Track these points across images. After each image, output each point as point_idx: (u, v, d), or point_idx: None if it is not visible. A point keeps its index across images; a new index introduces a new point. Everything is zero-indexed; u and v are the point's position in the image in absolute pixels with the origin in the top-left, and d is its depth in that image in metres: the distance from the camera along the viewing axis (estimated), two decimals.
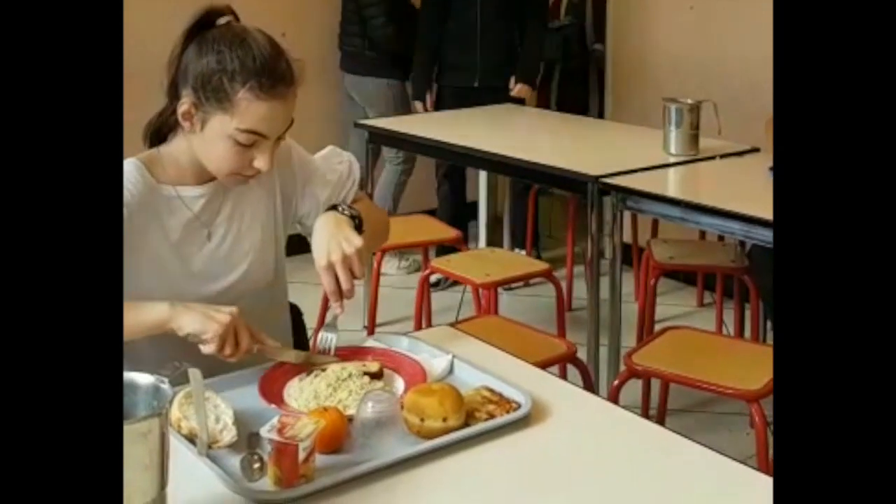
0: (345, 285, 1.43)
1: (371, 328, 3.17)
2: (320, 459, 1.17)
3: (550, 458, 1.24)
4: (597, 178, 2.72)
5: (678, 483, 1.19)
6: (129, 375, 1.07)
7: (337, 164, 1.65)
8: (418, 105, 3.89)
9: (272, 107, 1.37)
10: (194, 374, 1.13)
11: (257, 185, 1.55)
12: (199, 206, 1.49)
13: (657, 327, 2.67)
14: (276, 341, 1.44)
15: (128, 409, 1.05)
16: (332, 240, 1.45)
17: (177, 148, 1.47)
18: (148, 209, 1.45)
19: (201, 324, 1.33)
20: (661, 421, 2.46)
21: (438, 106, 3.88)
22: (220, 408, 1.25)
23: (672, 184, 2.79)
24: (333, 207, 1.53)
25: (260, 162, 1.41)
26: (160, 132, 1.50)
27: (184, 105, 1.40)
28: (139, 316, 1.35)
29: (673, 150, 2.91)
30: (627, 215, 3.41)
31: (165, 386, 1.05)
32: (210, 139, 1.40)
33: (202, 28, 1.41)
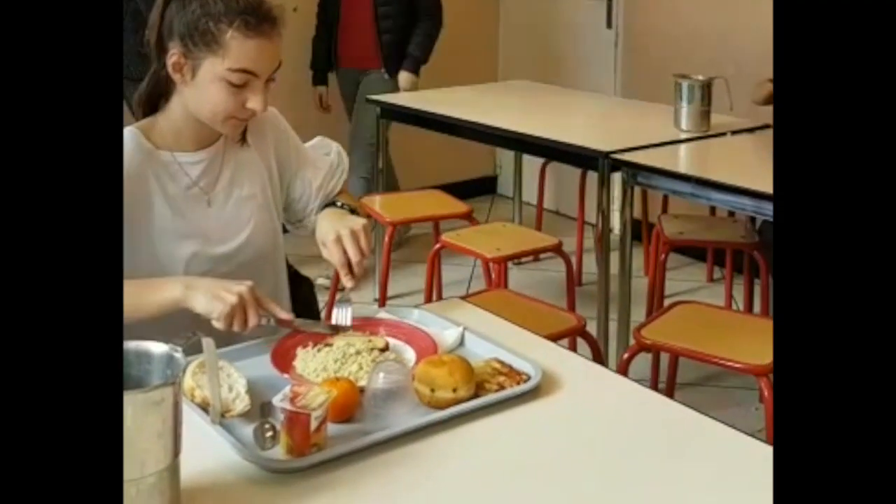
0: (354, 256, 1.46)
1: (382, 301, 3.18)
2: (332, 428, 1.18)
3: (560, 430, 1.25)
4: (607, 153, 2.71)
5: (687, 455, 1.19)
6: (144, 344, 1.08)
7: (325, 153, 1.69)
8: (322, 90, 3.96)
9: (260, 44, 1.41)
10: (208, 343, 1.14)
11: (255, 154, 1.57)
12: (197, 172, 1.51)
13: (667, 302, 2.67)
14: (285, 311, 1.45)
15: (142, 377, 1.06)
16: (337, 221, 1.52)
17: (173, 113, 1.49)
18: (148, 175, 1.46)
19: (208, 304, 1.34)
20: (669, 395, 2.46)
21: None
22: (233, 377, 1.26)
23: (683, 160, 2.78)
24: (331, 204, 1.60)
25: (253, 102, 1.43)
26: (152, 99, 1.51)
27: (173, 56, 1.42)
28: (153, 295, 1.37)
29: (684, 126, 2.89)
30: (638, 191, 3.41)
31: (179, 355, 1.06)
32: (203, 85, 1.42)
33: None
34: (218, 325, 1.34)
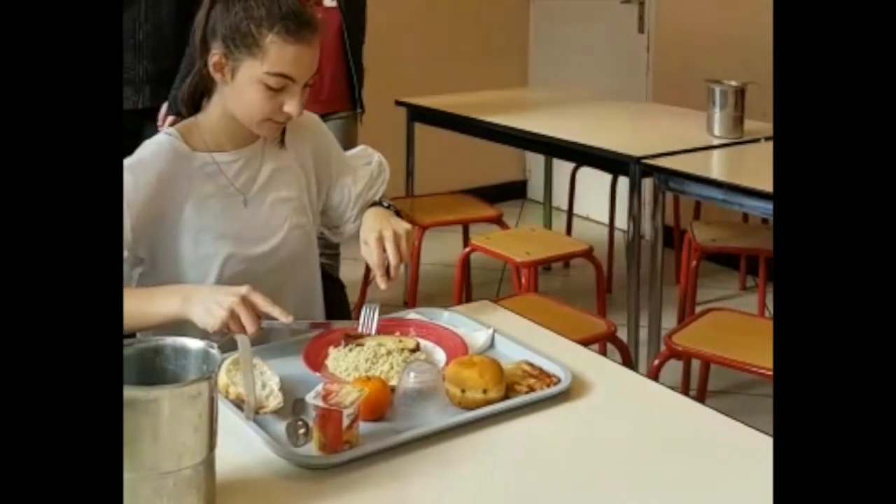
0: (393, 260, 1.47)
1: (412, 303, 3.20)
2: (364, 427, 1.19)
3: (590, 433, 1.25)
4: (639, 158, 2.70)
5: (718, 461, 1.19)
6: (180, 340, 1.10)
7: (366, 163, 1.70)
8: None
9: (299, 50, 1.43)
10: (242, 340, 1.16)
11: (293, 158, 1.59)
12: (234, 171, 1.53)
13: (698, 310, 2.65)
14: (295, 311, 1.44)
15: (178, 372, 1.08)
16: (383, 221, 1.53)
17: (213, 113, 1.52)
18: (181, 179, 1.48)
19: (203, 318, 1.32)
20: (700, 402, 2.45)
21: None
22: (267, 374, 1.28)
23: (716, 166, 2.77)
24: (377, 204, 1.62)
25: (289, 107, 1.45)
26: (194, 97, 1.53)
27: (215, 56, 1.45)
28: (155, 307, 1.37)
29: (717, 131, 2.88)
30: (670, 197, 3.39)
31: (215, 351, 1.07)
32: (241, 86, 1.45)
33: None
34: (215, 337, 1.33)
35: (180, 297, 1.36)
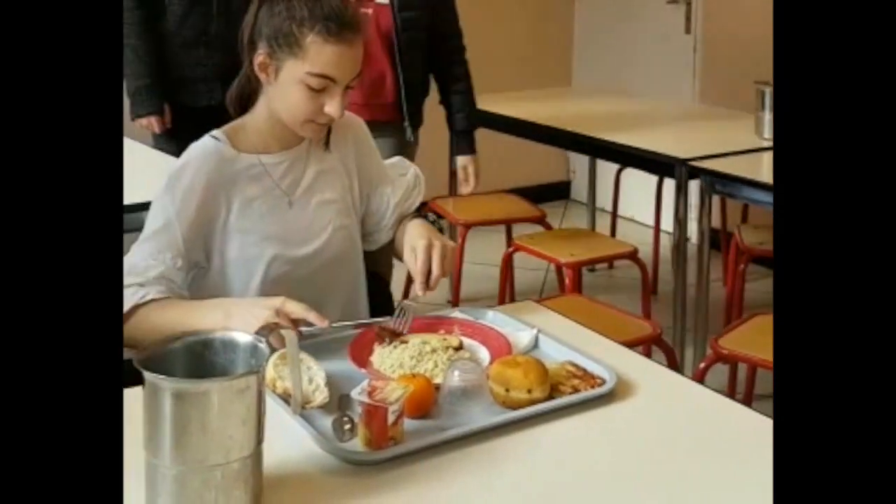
0: (436, 271, 1.48)
1: (455, 302, 3.20)
2: (408, 423, 1.19)
3: (634, 435, 1.24)
4: (685, 160, 2.68)
5: (763, 463, 1.17)
6: (229, 334, 1.12)
7: (402, 174, 1.71)
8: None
9: (340, 51, 1.44)
10: (289, 336, 1.17)
11: (338, 161, 1.60)
12: (280, 173, 1.54)
13: (745, 314, 2.62)
14: (335, 314, 1.47)
15: (227, 366, 1.10)
16: (432, 233, 1.55)
17: (259, 114, 1.53)
18: (226, 182, 1.49)
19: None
20: (747, 406, 2.42)
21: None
22: (313, 370, 1.29)
23: (765, 169, 2.73)
24: (421, 216, 1.63)
25: (330, 108, 1.46)
26: (242, 98, 1.55)
27: (259, 56, 1.46)
28: (195, 320, 1.35)
29: (766, 134, 2.84)
30: (716, 200, 3.35)
31: (263, 345, 1.09)
32: (284, 86, 1.46)
33: None
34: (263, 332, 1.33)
35: (222, 311, 1.36)
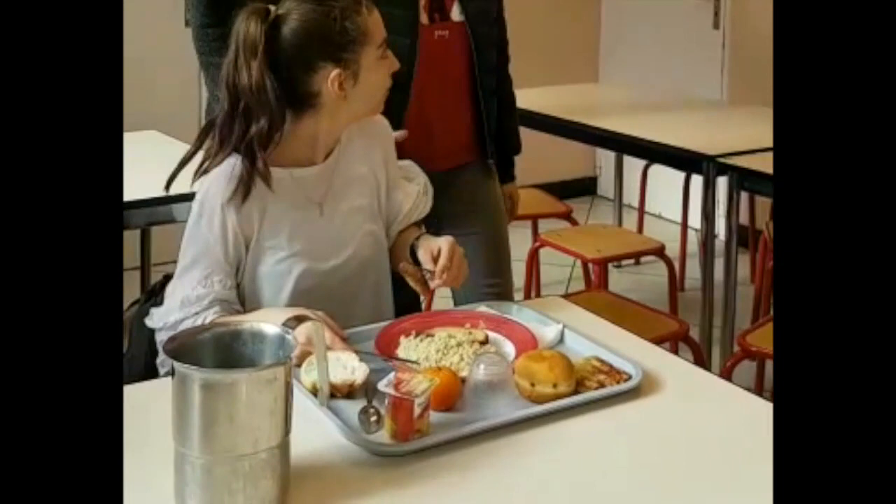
0: (455, 271, 1.49)
1: None
2: (434, 416, 1.20)
3: (660, 431, 1.23)
4: (713, 157, 2.66)
5: None
6: (258, 325, 1.13)
7: (411, 178, 1.68)
8: None
9: (375, 10, 1.46)
10: (316, 328, 1.18)
11: (366, 166, 1.57)
12: (310, 184, 1.50)
13: (773, 311, 2.60)
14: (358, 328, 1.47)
15: (255, 357, 1.11)
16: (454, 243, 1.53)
17: (303, 132, 1.46)
18: (255, 199, 1.43)
19: None
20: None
21: None
22: (343, 357, 1.30)
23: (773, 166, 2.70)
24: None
25: (393, 64, 1.49)
26: (270, 138, 1.42)
27: (333, 77, 1.40)
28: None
29: None
30: (745, 196, 3.32)
31: (291, 336, 1.10)
32: (367, 80, 1.45)
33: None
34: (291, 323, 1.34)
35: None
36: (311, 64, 1.41)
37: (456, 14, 2.02)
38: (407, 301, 1.75)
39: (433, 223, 1.72)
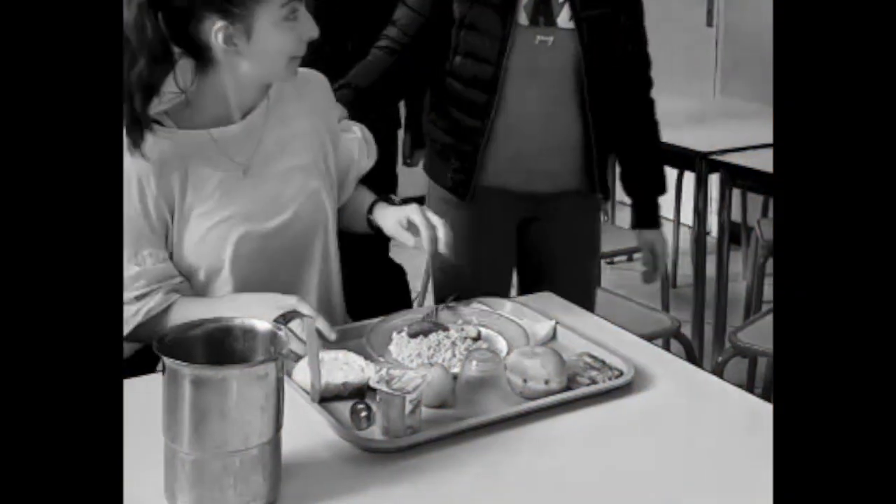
0: (441, 231, 1.42)
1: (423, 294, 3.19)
2: (425, 413, 1.20)
3: (651, 427, 1.24)
4: (705, 154, 2.67)
5: None
6: (249, 321, 1.12)
7: (347, 130, 1.62)
8: None
9: None
10: (308, 323, 1.17)
11: (304, 121, 1.50)
12: (234, 147, 1.43)
13: (764, 308, 2.61)
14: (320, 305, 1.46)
15: (246, 353, 1.10)
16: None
17: (209, 88, 1.41)
18: (179, 162, 1.39)
19: None
20: (765, 401, 2.41)
21: None
22: (348, 358, 1.31)
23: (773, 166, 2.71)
24: (386, 199, 1.56)
25: (309, 30, 1.40)
26: (151, 87, 1.35)
27: (220, 31, 1.34)
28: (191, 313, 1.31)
29: None
30: (737, 194, 3.33)
31: (282, 332, 1.09)
32: (262, 39, 1.36)
33: None
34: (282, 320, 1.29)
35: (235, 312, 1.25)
36: (195, 12, 1.34)
37: (564, 20, 1.78)
38: (397, 285, 1.75)
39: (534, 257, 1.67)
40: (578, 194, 1.88)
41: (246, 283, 1.42)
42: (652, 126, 1.96)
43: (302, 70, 1.48)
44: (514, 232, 1.90)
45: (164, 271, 1.40)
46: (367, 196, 1.59)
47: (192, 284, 1.43)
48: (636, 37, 1.90)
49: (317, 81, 1.56)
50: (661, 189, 1.96)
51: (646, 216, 1.96)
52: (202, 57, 1.38)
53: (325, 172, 1.52)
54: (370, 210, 1.56)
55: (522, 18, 1.76)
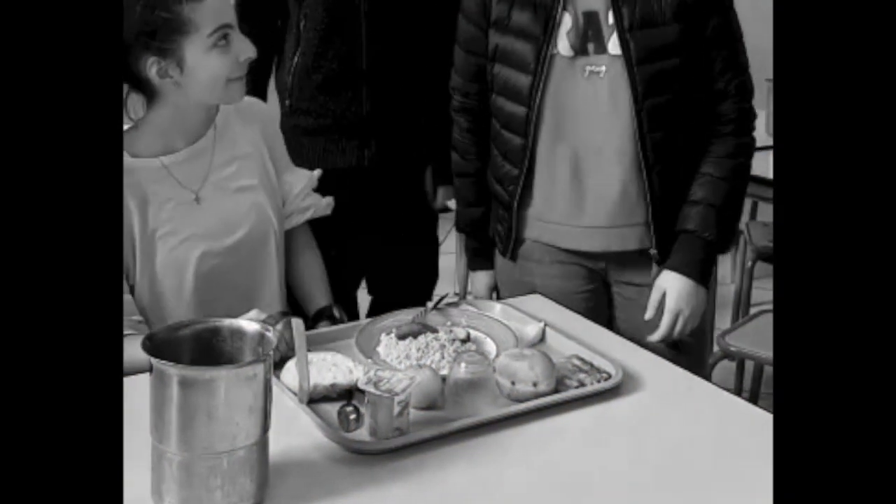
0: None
1: (463, 294, 3.20)
2: (414, 415, 1.20)
3: (639, 429, 1.24)
4: None
5: (770, 462, 1.17)
6: (237, 322, 1.12)
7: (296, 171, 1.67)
8: None
9: None
10: (297, 324, 1.17)
11: (249, 146, 1.55)
12: (183, 171, 1.48)
13: (753, 311, 2.62)
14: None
15: (234, 354, 1.10)
16: None
17: (157, 116, 1.46)
18: (133, 193, 1.43)
19: None
20: (753, 404, 2.42)
21: None
22: (339, 360, 1.30)
23: (773, 166, 2.72)
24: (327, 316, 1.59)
25: (245, 51, 1.43)
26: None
27: (153, 66, 1.39)
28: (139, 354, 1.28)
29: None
30: None
31: (271, 333, 1.09)
32: (196, 69, 1.40)
33: None
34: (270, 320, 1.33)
35: None
36: (130, 50, 1.39)
37: (613, 45, 1.53)
38: (385, 299, 1.75)
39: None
40: (640, 254, 1.60)
41: (211, 300, 1.46)
42: (736, 182, 1.64)
43: (248, 98, 1.53)
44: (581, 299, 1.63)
45: (125, 306, 1.41)
46: (318, 297, 1.62)
47: (161, 306, 1.45)
48: (727, 58, 1.63)
49: (258, 109, 1.62)
50: (723, 247, 1.61)
51: (700, 270, 1.59)
52: (145, 90, 1.45)
53: (270, 189, 1.57)
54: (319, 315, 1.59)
55: (564, 48, 1.54)
